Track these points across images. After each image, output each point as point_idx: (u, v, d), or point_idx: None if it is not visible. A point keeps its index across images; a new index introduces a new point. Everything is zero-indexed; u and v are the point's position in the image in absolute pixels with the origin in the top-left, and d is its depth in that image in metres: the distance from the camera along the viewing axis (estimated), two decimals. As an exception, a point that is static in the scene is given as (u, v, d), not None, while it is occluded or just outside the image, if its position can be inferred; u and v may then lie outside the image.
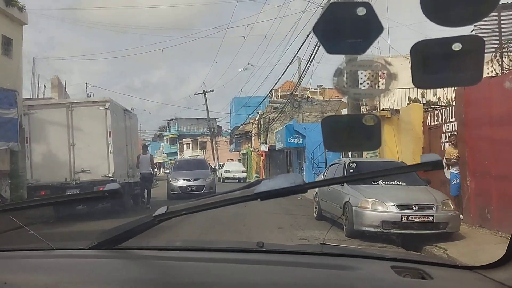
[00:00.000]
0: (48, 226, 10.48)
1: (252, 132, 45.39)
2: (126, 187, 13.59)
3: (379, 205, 8.07)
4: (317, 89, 44.11)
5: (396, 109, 14.73)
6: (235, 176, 34.74)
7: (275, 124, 35.48)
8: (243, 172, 36.06)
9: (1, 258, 1.50)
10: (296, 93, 34.79)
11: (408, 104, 14.83)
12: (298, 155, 30.05)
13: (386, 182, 9.05)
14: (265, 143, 38.12)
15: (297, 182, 1.20)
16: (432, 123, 12.91)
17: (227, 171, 35.58)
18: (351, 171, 9.51)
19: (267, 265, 1.36)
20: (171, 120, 79.92)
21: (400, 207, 7.93)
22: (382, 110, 14.88)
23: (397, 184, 9.04)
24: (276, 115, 34.44)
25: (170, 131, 79.65)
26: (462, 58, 1.02)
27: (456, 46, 1.01)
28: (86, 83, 31.04)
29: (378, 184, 9.02)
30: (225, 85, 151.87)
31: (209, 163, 21.60)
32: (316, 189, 11.31)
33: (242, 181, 33.90)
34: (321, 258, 1.49)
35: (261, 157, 40.46)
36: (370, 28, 1.06)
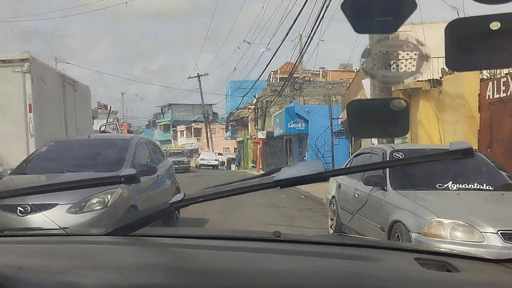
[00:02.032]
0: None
1: (249, 118, 41.64)
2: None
3: (466, 232, 4.25)
4: (319, 71, 40.64)
5: (437, 79, 10.85)
6: (209, 163, 42.04)
7: (274, 108, 31.82)
8: (215, 160, 43.70)
9: (15, 242, 1.46)
10: (297, 75, 31.35)
11: (441, 77, 10.97)
12: (300, 143, 26.20)
13: (460, 185, 5.22)
14: (263, 130, 34.54)
15: (318, 170, 1.13)
16: (496, 96, 9.07)
17: (202, 159, 43.12)
18: (397, 165, 5.67)
19: (284, 254, 1.30)
20: (164, 106, 76.30)
21: (508, 236, 4.12)
22: (417, 81, 10.99)
23: (481, 189, 5.21)
24: (274, 97, 30.66)
25: (163, 118, 76.02)
26: (501, 38, 0.97)
27: (494, 25, 0.96)
28: (55, 59, 26.91)
29: (448, 188, 5.19)
30: (220, 67, 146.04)
31: (165, 152, 13.46)
32: (333, 192, 7.49)
33: (214, 167, 41.65)
34: (341, 248, 1.43)
35: (258, 145, 36.69)
36: (402, 5, 1.05)
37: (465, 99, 9.70)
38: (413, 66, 1.15)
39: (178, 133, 70.54)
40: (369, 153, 6.54)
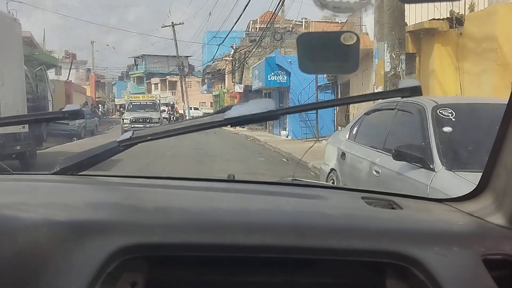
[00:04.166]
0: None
1: (226, 70, 39.10)
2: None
3: None
4: (302, 21, 38.21)
5: (457, 17, 8.66)
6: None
7: (252, 60, 29.44)
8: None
9: None
10: (278, 25, 28.96)
11: (450, 17, 8.75)
12: (281, 98, 23.99)
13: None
14: (240, 83, 32.20)
15: (269, 108, 1.14)
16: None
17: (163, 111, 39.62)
18: (447, 129, 3.55)
19: (237, 193, 1.31)
20: (138, 57, 72.69)
21: None
22: (432, 20, 8.78)
23: None
24: (253, 47, 28.22)
25: (137, 70, 72.52)
26: None
27: None
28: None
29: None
30: (195, 15, 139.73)
31: None
32: (332, 163, 5.40)
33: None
34: (292, 188, 1.44)
35: (235, 99, 34.42)
36: None
37: (497, 43, 7.59)
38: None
39: (152, 85, 67.55)
40: (393, 109, 4.39)
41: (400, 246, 0.94)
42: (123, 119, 25.04)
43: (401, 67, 7.34)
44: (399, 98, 4.59)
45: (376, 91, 8.23)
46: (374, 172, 4.12)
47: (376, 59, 8.10)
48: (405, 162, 3.58)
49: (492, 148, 1.09)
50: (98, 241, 0.87)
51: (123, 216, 0.99)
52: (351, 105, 16.86)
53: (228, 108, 1.19)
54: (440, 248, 0.95)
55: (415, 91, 1.14)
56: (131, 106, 26.76)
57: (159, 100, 32.74)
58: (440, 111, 3.72)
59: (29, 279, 0.78)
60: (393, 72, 7.34)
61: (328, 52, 1.22)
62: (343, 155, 5.06)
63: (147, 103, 27.81)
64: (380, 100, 4.91)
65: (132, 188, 1.29)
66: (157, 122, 23.78)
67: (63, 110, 1.28)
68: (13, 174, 1.46)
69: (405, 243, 0.95)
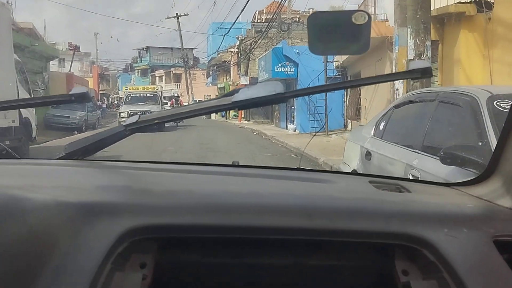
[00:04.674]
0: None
1: (231, 62, 38.38)
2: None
3: None
4: (309, 11, 37.50)
5: (485, 0, 7.87)
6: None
7: (258, 52, 28.77)
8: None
9: None
10: (285, 15, 28.27)
11: (478, 0, 7.98)
12: (288, 90, 23.22)
13: None
14: (246, 75, 31.56)
15: (277, 90, 1.12)
16: None
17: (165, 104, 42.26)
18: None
19: (244, 177, 1.31)
20: (142, 49, 72.13)
21: None
22: (459, 3, 8.00)
23: None
24: (259, 38, 27.50)
25: (141, 62, 71.97)
26: None
27: None
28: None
29: None
30: (200, 6, 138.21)
31: None
32: (354, 163, 4.69)
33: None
34: (299, 172, 1.44)
35: (241, 92, 33.76)
36: None
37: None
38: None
39: (157, 78, 67.04)
40: (433, 101, 3.66)
41: (409, 227, 0.93)
42: (120, 113, 22.57)
43: (427, 55, 6.59)
44: (439, 88, 3.88)
45: (397, 82, 7.51)
46: (411, 177, 3.41)
47: (397, 46, 7.37)
48: (454, 167, 2.87)
49: (501, 131, 1.06)
50: (107, 222, 0.86)
51: (131, 198, 0.99)
52: (362, 97, 16.13)
53: (236, 91, 1.16)
54: (449, 229, 0.93)
55: (426, 72, 1.12)
56: (129, 98, 24.13)
57: (161, 92, 30.04)
58: (498, 103, 3.00)
59: (40, 258, 0.77)
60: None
61: (338, 32, 1.22)
62: (368, 154, 4.34)
63: (147, 95, 25.23)
64: (412, 91, 4.20)
65: (139, 172, 1.29)
66: None
67: (70, 93, 1.25)
68: (20, 159, 1.47)
69: (414, 225, 0.94)
